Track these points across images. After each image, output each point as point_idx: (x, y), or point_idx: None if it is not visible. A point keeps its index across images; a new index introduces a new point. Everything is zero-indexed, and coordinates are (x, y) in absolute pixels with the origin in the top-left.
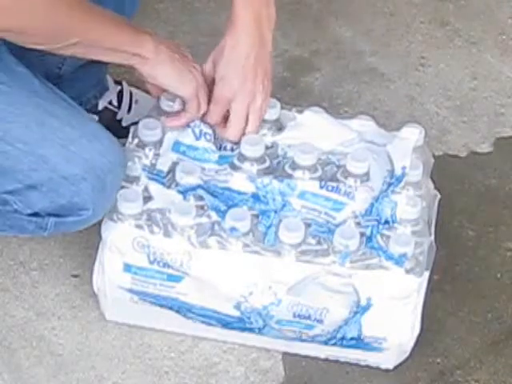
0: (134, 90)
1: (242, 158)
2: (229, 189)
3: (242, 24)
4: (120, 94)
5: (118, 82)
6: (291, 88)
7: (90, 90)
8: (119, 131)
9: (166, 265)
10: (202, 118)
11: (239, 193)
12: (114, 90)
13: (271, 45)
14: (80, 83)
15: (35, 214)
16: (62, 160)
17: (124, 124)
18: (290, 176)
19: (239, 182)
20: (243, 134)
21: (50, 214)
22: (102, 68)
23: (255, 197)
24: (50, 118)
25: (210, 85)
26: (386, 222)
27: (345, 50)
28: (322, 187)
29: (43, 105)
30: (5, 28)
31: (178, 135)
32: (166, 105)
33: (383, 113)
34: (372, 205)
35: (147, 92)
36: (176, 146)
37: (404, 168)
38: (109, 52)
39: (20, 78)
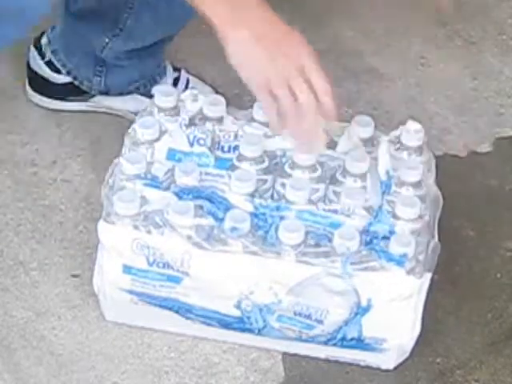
0: (192, 78)
1: (241, 157)
2: (227, 199)
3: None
4: (176, 81)
5: (177, 69)
6: None
7: (146, 75)
8: None
9: (165, 266)
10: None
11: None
12: (170, 75)
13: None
14: (137, 67)
15: None
16: None
17: None
18: (289, 176)
19: (237, 200)
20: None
21: None
22: (159, 54)
23: (253, 215)
24: None
25: None
26: (384, 237)
27: (345, 49)
28: (318, 209)
29: None
30: None
31: (172, 142)
32: (161, 101)
33: (383, 113)
34: (370, 224)
35: (204, 81)
36: (171, 154)
37: (387, 171)
38: None
39: None
